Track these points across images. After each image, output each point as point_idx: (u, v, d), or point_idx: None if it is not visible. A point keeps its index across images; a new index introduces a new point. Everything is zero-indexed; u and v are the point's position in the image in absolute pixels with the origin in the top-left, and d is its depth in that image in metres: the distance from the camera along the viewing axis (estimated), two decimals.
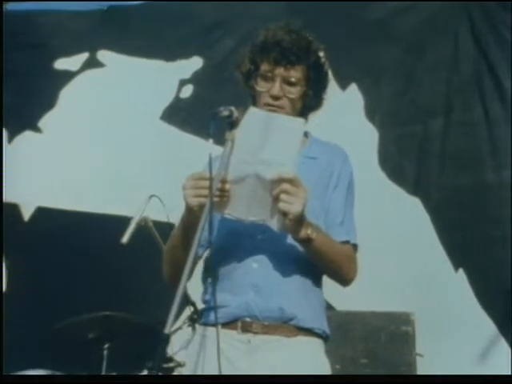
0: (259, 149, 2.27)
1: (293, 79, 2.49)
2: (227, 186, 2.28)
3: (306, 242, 2.33)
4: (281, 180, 2.24)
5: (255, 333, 2.38)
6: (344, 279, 2.50)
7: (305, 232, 2.30)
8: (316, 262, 2.43)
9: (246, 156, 2.29)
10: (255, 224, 2.37)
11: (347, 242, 2.49)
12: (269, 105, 2.48)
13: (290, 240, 2.40)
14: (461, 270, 4.10)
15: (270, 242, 2.41)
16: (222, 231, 2.47)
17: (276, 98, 2.48)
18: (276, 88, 2.48)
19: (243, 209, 2.33)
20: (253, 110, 2.35)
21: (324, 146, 2.62)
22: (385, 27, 4.47)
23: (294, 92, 2.49)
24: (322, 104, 2.62)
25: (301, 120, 2.40)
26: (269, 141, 2.28)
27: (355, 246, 2.52)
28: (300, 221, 2.28)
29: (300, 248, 2.40)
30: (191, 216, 2.29)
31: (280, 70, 2.48)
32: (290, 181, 2.24)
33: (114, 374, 3.53)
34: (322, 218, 2.49)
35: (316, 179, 2.51)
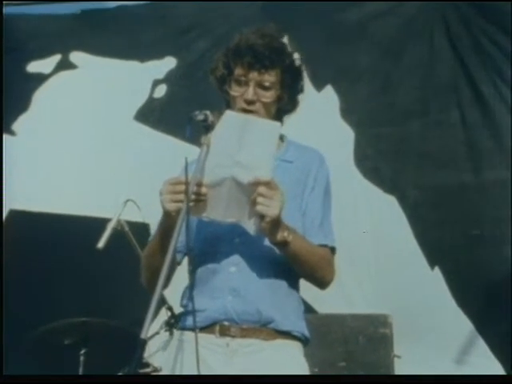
0: (235, 152, 2.27)
1: (267, 83, 2.49)
2: (203, 190, 2.28)
3: (283, 244, 2.34)
4: (257, 183, 2.25)
5: (233, 336, 2.37)
6: (321, 282, 2.52)
7: (281, 235, 2.31)
8: (293, 264, 2.44)
9: (223, 159, 2.28)
10: (232, 228, 2.38)
11: (325, 246, 2.48)
12: (243, 109, 2.48)
13: (267, 243, 2.40)
14: (437, 269, 4.10)
15: (248, 246, 2.41)
16: (199, 236, 2.47)
17: (250, 102, 2.48)
18: (250, 93, 2.48)
19: (220, 211, 2.33)
20: (229, 113, 2.34)
21: (300, 149, 2.62)
22: (362, 30, 4.47)
23: (268, 96, 2.50)
24: (297, 107, 2.60)
25: (277, 123, 2.39)
26: (245, 144, 2.28)
27: (333, 249, 2.53)
28: (277, 224, 2.29)
29: (278, 251, 2.40)
30: (169, 221, 2.29)
31: (254, 75, 2.48)
32: (267, 184, 2.25)
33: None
34: (298, 220, 2.49)
35: (292, 182, 2.51)
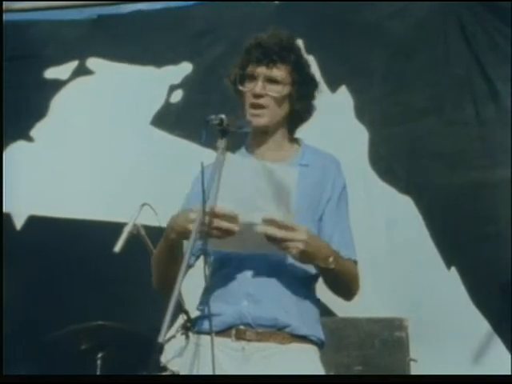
0: (253, 198, 2.28)
1: (275, 77, 2.51)
2: (225, 225, 2.25)
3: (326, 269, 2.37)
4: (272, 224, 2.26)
5: (249, 340, 2.37)
6: (348, 295, 2.55)
7: (324, 262, 2.34)
8: (327, 279, 2.46)
9: (239, 206, 2.27)
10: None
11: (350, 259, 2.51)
12: (252, 104, 2.51)
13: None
14: (453, 269, 4.08)
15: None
16: None
17: (258, 96, 2.51)
18: (258, 86, 2.52)
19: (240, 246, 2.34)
20: (240, 160, 2.37)
21: (316, 153, 2.61)
22: (376, 30, 4.46)
23: (278, 90, 2.51)
24: (312, 112, 2.61)
25: (294, 170, 2.36)
26: (263, 190, 2.29)
27: (356, 262, 2.53)
28: (309, 254, 2.31)
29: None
30: (180, 239, 2.33)
31: (262, 69, 2.52)
32: (284, 227, 2.26)
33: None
34: (314, 227, 2.48)
35: (309, 187, 2.50)
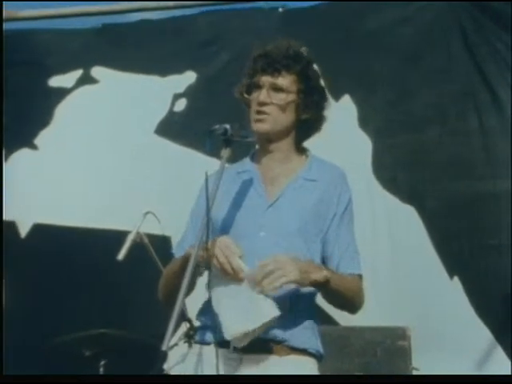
0: None
1: (280, 85, 2.52)
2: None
3: (321, 285, 2.38)
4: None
5: (246, 351, 2.36)
6: (352, 310, 2.56)
7: (318, 276, 2.35)
8: (328, 299, 2.48)
9: None
10: (248, 253, 2.37)
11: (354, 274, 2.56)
12: (257, 112, 2.52)
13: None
14: (456, 278, 4.07)
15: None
16: None
17: (263, 103, 2.51)
18: (263, 94, 2.53)
19: None
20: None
21: (323, 166, 2.61)
22: (379, 39, 4.47)
23: (281, 98, 2.52)
24: (321, 120, 2.60)
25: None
26: None
27: (360, 276, 2.54)
28: (302, 279, 2.33)
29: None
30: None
31: (267, 78, 2.53)
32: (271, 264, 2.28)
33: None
34: (318, 242, 2.51)
35: (315, 202, 2.52)
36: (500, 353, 3.93)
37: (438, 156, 4.24)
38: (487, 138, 4.19)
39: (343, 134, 4.26)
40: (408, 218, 4.21)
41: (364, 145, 4.35)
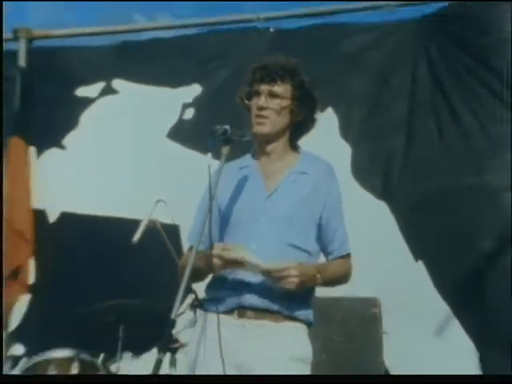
0: None
1: (276, 92, 2.54)
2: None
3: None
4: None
5: (249, 318, 2.42)
6: (342, 284, 2.61)
7: (312, 282, 2.43)
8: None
9: None
10: (249, 235, 2.45)
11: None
12: (257, 115, 2.54)
13: (277, 249, 2.45)
14: (420, 261, 4.08)
15: (260, 253, 2.41)
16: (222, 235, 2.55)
17: (261, 108, 2.54)
18: (262, 100, 2.54)
19: None
20: None
21: (314, 160, 2.63)
22: (354, 60, 4.46)
23: (277, 103, 2.54)
24: (313, 122, 2.63)
25: None
26: None
27: (349, 254, 2.60)
28: (303, 285, 2.37)
29: (289, 253, 2.46)
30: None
31: (265, 86, 2.54)
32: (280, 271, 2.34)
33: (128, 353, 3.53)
34: (311, 228, 2.54)
35: (307, 192, 2.54)
36: (455, 322, 3.95)
37: (406, 159, 4.25)
38: (446, 143, 4.19)
39: (327, 141, 4.20)
40: (381, 212, 4.21)
41: (345, 150, 4.35)
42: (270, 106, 2.53)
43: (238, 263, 2.33)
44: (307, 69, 2.65)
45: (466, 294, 3.98)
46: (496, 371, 3.72)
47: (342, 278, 2.57)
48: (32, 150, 4.77)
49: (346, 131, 4.41)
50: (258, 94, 2.56)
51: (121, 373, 3.47)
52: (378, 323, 3.65)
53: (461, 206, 4.09)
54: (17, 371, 3.36)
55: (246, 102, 2.59)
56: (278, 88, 2.54)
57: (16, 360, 3.45)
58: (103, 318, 3.49)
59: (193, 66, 4.77)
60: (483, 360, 3.84)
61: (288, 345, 2.43)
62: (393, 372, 3.74)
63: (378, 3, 4.46)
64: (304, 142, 2.69)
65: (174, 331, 2.42)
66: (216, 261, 2.31)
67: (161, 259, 3.46)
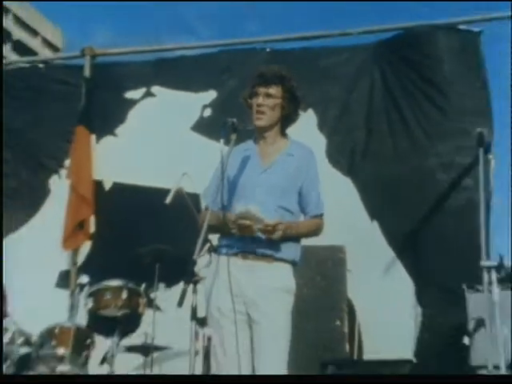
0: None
1: (270, 93, 2.53)
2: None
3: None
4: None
5: (250, 259, 2.45)
6: (314, 237, 2.61)
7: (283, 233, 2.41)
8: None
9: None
10: (249, 201, 2.43)
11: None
12: (256, 111, 2.51)
13: (270, 209, 2.43)
14: (375, 222, 4.08)
15: (263, 206, 2.42)
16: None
17: (260, 106, 2.51)
18: (259, 99, 2.52)
19: None
20: None
21: (299, 145, 2.64)
22: (330, 73, 4.44)
23: (271, 102, 2.52)
24: (298, 117, 2.60)
25: None
26: None
27: (322, 214, 2.58)
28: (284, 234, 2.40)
29: (279, 213, 2.44)
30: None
31: (262, 88, 2.53)
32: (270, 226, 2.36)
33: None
34: (295, 199, 2.52)
35: (294, 170, 2.54)
36: (398, 264, 3.95)
37: (365, 149, 4.24)
38: (395, 138, 4.19)
39: (308, 135, 4.18)
40: (347, 186, 4.21)
41: (321, 141, 4.32)
42: (266, 104, 2.52)
43: (247, 228, 2.35)
44: (294, 78, 2.63)
45: (407, 244, 3.98)
46: (432, 306, 3.76)
47: (315, 231, 2.58)
48: (93, 136, 4.69)
49: (322, 126, 4.38)
50: (257, 94, 2.54)
51: (157, 299, 3.46)
52: (344, 264, 3.67)
53: (406, 182, 4.08)
54: (83, 295, 3.35)
55: (248, 100, 2.58)
56: (272, 90, 2.52)
57: (82, 287, 3.44)
58: (144, 258, 3.51)
59: (209, 77, 4.72)
60: (421, 294, 3.87)
61: (277, 279, 2.46)
62: (354, 300, 3.75)
63: (348, 31, 4.46)
64: (292, 133, 2.67)
65: (195, 268, 2.45)
66: (233, 226, 2.35)
67: (185, 217, 3.47)
